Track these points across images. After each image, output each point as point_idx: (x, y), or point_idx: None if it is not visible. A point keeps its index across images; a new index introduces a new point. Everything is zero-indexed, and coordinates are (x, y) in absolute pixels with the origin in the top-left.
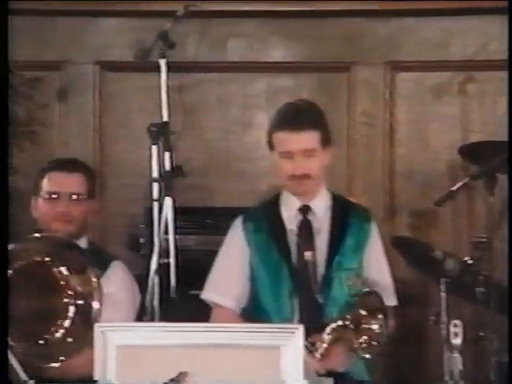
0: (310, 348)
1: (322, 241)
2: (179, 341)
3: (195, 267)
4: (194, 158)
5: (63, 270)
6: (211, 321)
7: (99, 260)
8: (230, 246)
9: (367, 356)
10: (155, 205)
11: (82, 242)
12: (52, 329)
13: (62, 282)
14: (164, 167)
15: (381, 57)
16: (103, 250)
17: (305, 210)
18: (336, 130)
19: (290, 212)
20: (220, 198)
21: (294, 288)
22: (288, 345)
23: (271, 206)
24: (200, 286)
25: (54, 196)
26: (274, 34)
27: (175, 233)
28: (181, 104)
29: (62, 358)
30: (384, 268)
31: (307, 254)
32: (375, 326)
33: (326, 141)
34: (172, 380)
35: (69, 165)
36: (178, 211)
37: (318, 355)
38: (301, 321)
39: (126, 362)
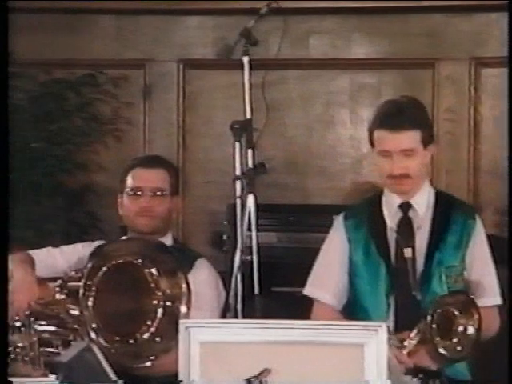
0: (398, 345)
1: (422, 238)
2: (262, 338)
3: (277, 264)
4: (276, 156)
5: (154, 271)
6: (312, 317)
7: (184, 258)
8: (332, 243)
9: (457, 358)
10: (238, 202)
11: (168, 239)
12: (141, 329)
13: (151, 284)
14: (247, 164)
15: (465, 53)
16: (188, 248)
17: (405, 207)
18: None
19: (390, 209)
20: (301, 195)
21: (391, 285)
22: (371, 343)
23: (373, 202)
24: (282, 282)
25: (137, 192)
26: (357, 30)
27: (257, 230)
28: (263, 101)
29: (151, 357)
30: (489, 266)
31: (406, 251)
32: (467, 328)
33: (427, 139)
34: (255, 377)
35: (152, 161)
36: (260, 208)
37: (405, 352)
38: (396, 318)
39: (209, 359)
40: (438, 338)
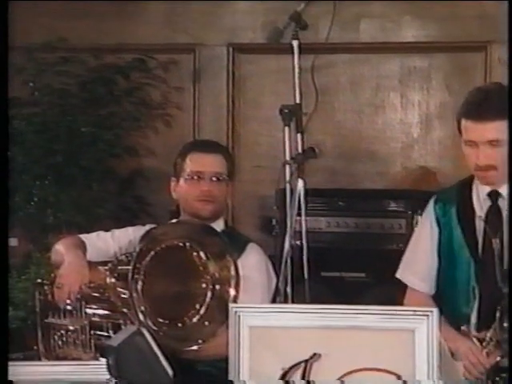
0: (477, 343)
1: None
2: (312, 323)
3: (326, 249)
4: (325, 140)
5: (202, 254)
6: (405, 301)
7: (235, 242)
8: (423, 227)
9: None
10: (287, 187)
11: (220, 224)
12: (190, 312)
13: (200, 267)
14: (296, 149)
15: None
16: (239, 233)
17: (494, 195)
18: None
19: (479, 197)
20: (351, 180)
21: (476, 276)
22: (422, 328)
23: (463, 188)
24: (331, 267)
25: (197, 176)
26: (406, 13)
27: (307, 214)
28: (313, 86)
29: (199, 340)
30: None
31: (494, 242)
32: None
33: None
34: (305, 361)
35: (210, 146)
36: (309, 193)
37: (484, 352)
38: (480, 311)
39: (258, 343)
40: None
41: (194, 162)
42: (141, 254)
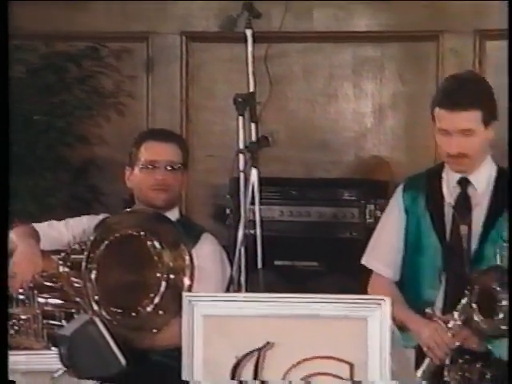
0: (443, 325)
1: (479, 215)
2: (265, 311)
3: (280, 238)
4: (278, 129)
5: (156, 244)
6: (369, 287)
7: (190, 232)
8: (389, 213)
9: (500, 336)
10: (241, 176)
11: (174, 213)
12: (144, 302)
13: (154, 257)
14: (250, 138)
15: (469, 25)
16: (194, 222)
17: (464, 183)
18: (424, 102)
19: (449, 184)
20: (304, 169)
21: (444, 261)
22: (375, 316)
23: (433, 175)
24: (285, 256)
25: (151, 165)
26: (359, 3)
27: (260, 204)
28: (266, 75)
29: (153, 330)
30: None
31: (462, 228)
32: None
33: (489, 118)
34: (258, 350)
35: (164, 134)
36: (263, 182)
37: (450, 334)
38: (446, 295)
39: (212, 332)
40: (479, 317)
41: (148, 151)
42: (95, 244)
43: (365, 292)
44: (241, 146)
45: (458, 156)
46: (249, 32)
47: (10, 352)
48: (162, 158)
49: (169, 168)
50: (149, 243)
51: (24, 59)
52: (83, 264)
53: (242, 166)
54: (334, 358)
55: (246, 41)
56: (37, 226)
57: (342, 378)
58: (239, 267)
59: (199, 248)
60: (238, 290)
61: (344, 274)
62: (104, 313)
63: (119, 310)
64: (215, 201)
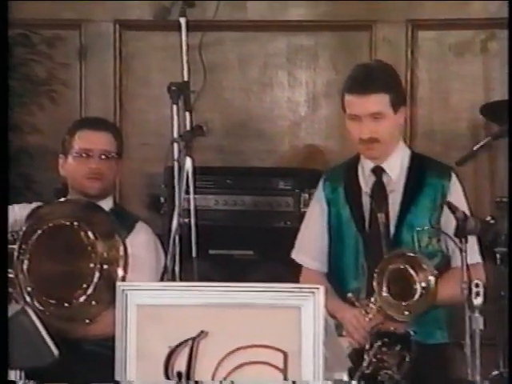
0: (362, 311)
1: (395, 201)
2: (199, 300)
3: (215, 227)
4: (213, 118)
5: (90, 234)
6: (300, 280)
7: (124, 221)
8: (313, 207)
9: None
10: (175, 165)
11: (108, 202)
12: (77, 292)
13: (88, 247)
14: (184, 127)
15: (402, 15)
16: (128, 211)
17: (378, 171)
18: None
19: (364, 173)
20: (239, 158)
21: (365, 249)
22: (308, 305)
23: (350, 166)
24: (219, 245)
25: (85, 153)
26: None
27: (195, 192)
28: (201, 63)
29: (86, 320)
30: None
31: (380, 216)
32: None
33: (397, 103)
34: (192, 339)
35: (99, 123)
36: (197, 171)
37: (368, 318)
38: (369, 282)
39: (146, 322)
40: (388, 300)
41: (82, 140)
42: (26, 234)
43: (299, 281)
44: (175, 134)
45: (369, 141)
46: (183, 20)
47: None
48: (96, 146)
49: (103, 157)
50: (82, 233)
51: None
52: (15, 254)
53: (176, 154)
54: (268, 347)
55: (180, 29)
56: None
57: (276, 367)
58: (173, 256)
59: (133, 237)
60: (173, 279)
61: (278, 262)
62: (37, 303)
63: (52, 301)
64: (150, 190)
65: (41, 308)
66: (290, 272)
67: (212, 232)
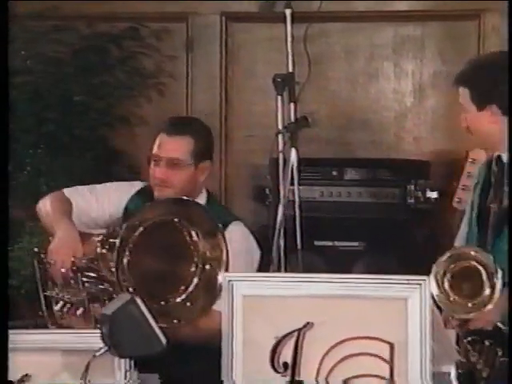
0: None
1: None
2: (305, 292)
3: (320, 218)
4: (318, 109)
5: (193, 233)
6: None
7: (219, 218)
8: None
9: None
10: (280, 156)
11: (201, 201)
12: (176, 292)
13: (190, 246)
14: (289, 118)
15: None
16: (225, 209)
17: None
18: None
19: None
20: (345, 149)
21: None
22: (415, 297)
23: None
24: (324, 236)
25: (154, 160)
26: None
27: (300, 184)
28: (306, 55)
29: (174, 320)
30: None
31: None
32: None
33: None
34: (298, 330)
35: (177, 128)
36: (302, 162)
37: None
38: None
39: (252, 312)
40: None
41: (157, 145)
42: (129, 229)
43: (404, 272)
44: (280, 126)
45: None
46: (288, 12)
47: (52, 330)
48: (166, 154)
49: (171, 165)
50: (185, 232)
51: (64, 40)
52: (116, 248)
53: (281, 146)
54: (374, 339)
55: (285, 21)
56: (68, 193)
57: (382, 359)
58: (279, 247)
59: (228, 234)
60: (278, 271)
61: (384, 254)
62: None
63: (149, 298)
64: (255, 181)
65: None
66: (396, 263)
67: (317, 223)
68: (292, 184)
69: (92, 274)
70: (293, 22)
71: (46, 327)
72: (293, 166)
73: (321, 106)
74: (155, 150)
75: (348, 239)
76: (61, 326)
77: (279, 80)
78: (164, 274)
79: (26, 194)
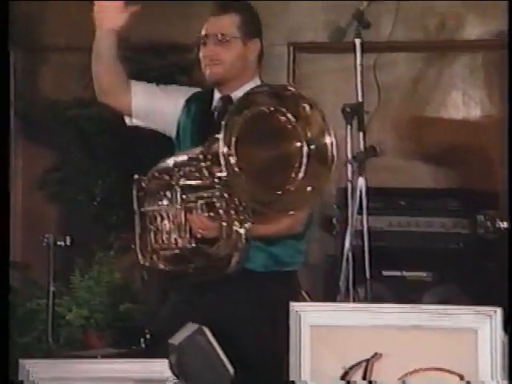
0: None
1: None
2: (373, 322)
3: (388, 248)
4: (386, 139)
5: (290, 116)
6: None
7: None
8: None
9: None
10: (348, 185)
11: (254, 83)
12: (290, 177)
13: (290, 129)
14: (358, 147)
15: None
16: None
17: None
18: None
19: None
20: (412, 179)
21: None
22: (485, 328)
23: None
24: (393, 266)
25: (203, 41)
26: (470, 11)
27: (368, 213)
28: (375, 84)
29: (290, 212)
30: None
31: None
32: None
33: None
34: (366, 361)
35: (222, 6)
36: (370, 192)
37: None
38: None
39: (319, 342)
40: None
41: (203, 26)
42: (229, 125)
43: (474, 303)
44: (348, 155)
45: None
46: (358, 41)
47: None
48: (211, 31)
49: (220, 40)
50: (282, 118)
51: (135, 71)
52: (220, 150)
53: (349, 175)
54: (443, 370)
55: (354, 50)
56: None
57: None
58: (347, 277)
59: None
60: (346, 300)
61: (453, 284)
62: (250, 201)
63: (267, 190)
64: (323, 210)
65: (252, 197)
66: (466, 294)
67: (385, 253)
68: (360, 213)
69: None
70: (362, 51)
71: (118, 357)
72: (361, 195)
73: (389, 135)
74: (201, 31)
75: (416, 269)
76: (153, 252)
77: (348, 110)
78: (273, 161)
79: (97, 225)
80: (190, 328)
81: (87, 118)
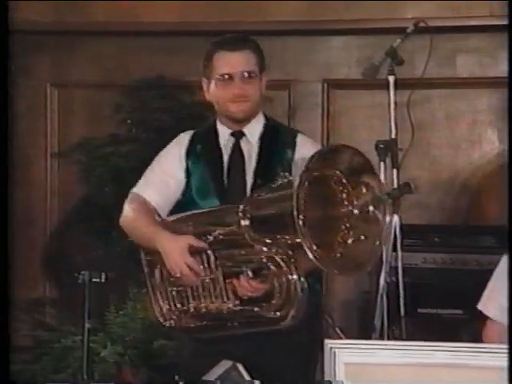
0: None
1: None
2: (409, 360)
3: (423, 285)
4: (420, 175)
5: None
6: (485, 335)
7: (285, 135)
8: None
9: None
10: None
11: (260, 118)
12: (342, 238)
13: (340, 188)
14: (391, 184)
15: None
16: (282, 124)
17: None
18: None
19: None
20: (447, 216)
21: None
22: None
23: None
24: (428, 304)
25: (227, 76)
26: (503, 47)
27: (402, 250)
28: (408, 121)
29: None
30: None
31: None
32: None
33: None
34: None
35: (235, 42)
36: (404, 228)
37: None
38: None
39: (354, 380)
40: None
41: (221, 63)
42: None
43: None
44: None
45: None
46: (391, 78)
47: None
48: (237, 69)
49: (245, 78)
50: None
51: (168, 108)
52: (294, 205)
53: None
54: None
55: (388, 87)
56: (151, 199)
57: None
58: (381, 314)
59: (299, 149)
60: (381, 338)
61: None
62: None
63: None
64: None
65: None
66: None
67: (420, 290)
68: (394, 250)
69: (225, 251)
70: (396, 88)
71: None
72: (395, 231)
73: (423, 171)
74: (220, 68)
75: (452, 307)
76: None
77: (382, 146)
78: (327, 221)
79: (131, 261)
80: (224, 365)
81: (121, 156)
